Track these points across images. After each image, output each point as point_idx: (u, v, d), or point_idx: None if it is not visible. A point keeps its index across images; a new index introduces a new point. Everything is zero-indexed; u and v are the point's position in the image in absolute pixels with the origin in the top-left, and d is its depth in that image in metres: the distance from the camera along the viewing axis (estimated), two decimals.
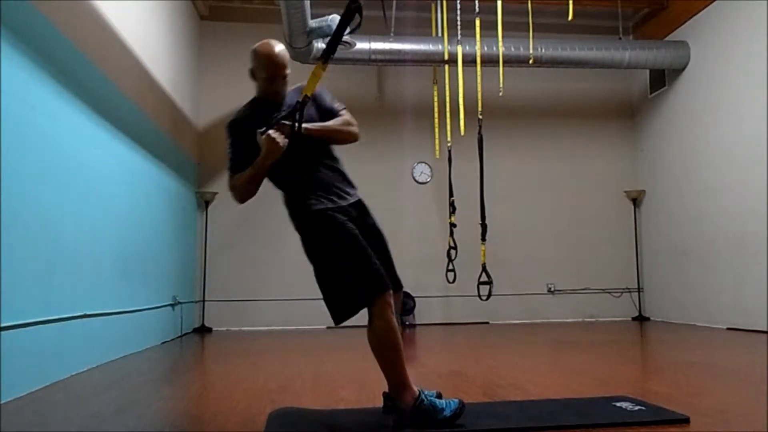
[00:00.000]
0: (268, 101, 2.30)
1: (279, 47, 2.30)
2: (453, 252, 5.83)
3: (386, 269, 2.24)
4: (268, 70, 2.27)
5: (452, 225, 5.83)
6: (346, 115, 2.39)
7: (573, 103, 7.57)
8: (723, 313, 5.95)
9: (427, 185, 7.13)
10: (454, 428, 2.05)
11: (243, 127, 2.25)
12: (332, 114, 2.36)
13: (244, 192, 2.24)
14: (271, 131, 2.12)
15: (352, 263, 2.13)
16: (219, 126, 6.87)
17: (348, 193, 2.35)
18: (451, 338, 5.68)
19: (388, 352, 2.09)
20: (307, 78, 2.18)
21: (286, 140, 2.13)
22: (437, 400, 2.11)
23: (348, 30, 2.20)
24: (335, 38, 2.18)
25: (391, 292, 2.15)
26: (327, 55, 2.17)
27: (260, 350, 4.90)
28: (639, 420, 2.11)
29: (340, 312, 2.15)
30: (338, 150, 2.43)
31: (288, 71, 2.30)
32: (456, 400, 2.11)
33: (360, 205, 2.39)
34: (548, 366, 3.80)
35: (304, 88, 2.18)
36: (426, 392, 2.14)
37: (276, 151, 2.12)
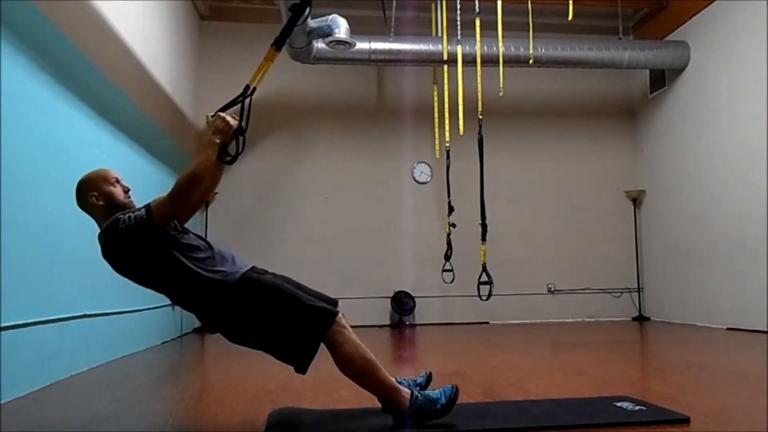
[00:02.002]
0: None
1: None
2: (448, 252, 5.84)
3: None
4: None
5: (451, 225, 5.84)
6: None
7: (573, 103, 7.57)
8: (723, 313, 5.94)
9: (427, 185, 7.13)
10: (454, 428, 2.05)
11: None
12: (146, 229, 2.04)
13: (216, 172, 2.09)
14: (218, 114, 2.07)
15: (290, 310, 2.03)
16: None
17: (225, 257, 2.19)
18: (450, 338, 5.67)
19: (366, 370, 2.05)
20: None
21: (236, 120, 2.07)
22: (430, 392, 2.12)
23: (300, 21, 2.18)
24: (287, 28, 2.17)
25: (339, 312, 2.06)
26: (280, 43, 2.14)
27: None
28: (639, 420, 2.11)
29: (302, 360, 2.05)
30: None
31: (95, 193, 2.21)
32: (449, 386, 2.12)
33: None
34: (548, 366, 3.80)
35: (252, 77, 2.11)
36: (417, 379, 2.20)
37: (226, 129, 2.04)
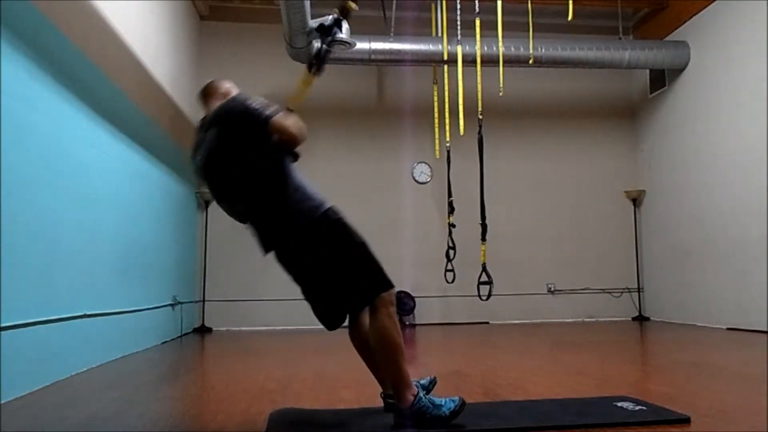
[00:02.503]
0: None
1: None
2: (452, 252, 5.84)
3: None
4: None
5: (451, 225, 5.84)
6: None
7: (573, 103, 7.57)
8: (723, 313, 5.95)
9: (427, 185, 7.13)
10: (454, 428, 2.04)
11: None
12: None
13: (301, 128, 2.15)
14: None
15: (361, 259, 2.13)
16: None
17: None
18: (450, 338, 5.67)
19: (391, 349, 2.08)
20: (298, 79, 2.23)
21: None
22: (436, 399, 2.11)
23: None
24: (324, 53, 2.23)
25: (394, 289, 2.14)
26: (319, 65, 2.20)
27: (260, 350, 4.90)
28: (640, 420, 2.11)
29: (339, 314, 2.15)
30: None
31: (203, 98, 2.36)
32: (456, 398, 2.10)
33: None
34: (548, 366, 3.80)
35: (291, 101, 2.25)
36: (421, 381, 2.16)
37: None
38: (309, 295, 2.23)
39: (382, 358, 2.11)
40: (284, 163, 2.15)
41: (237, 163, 2.13)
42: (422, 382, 2.32)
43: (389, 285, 2.12)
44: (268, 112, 2.09)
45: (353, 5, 2.30)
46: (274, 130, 2.08)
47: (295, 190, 2.13)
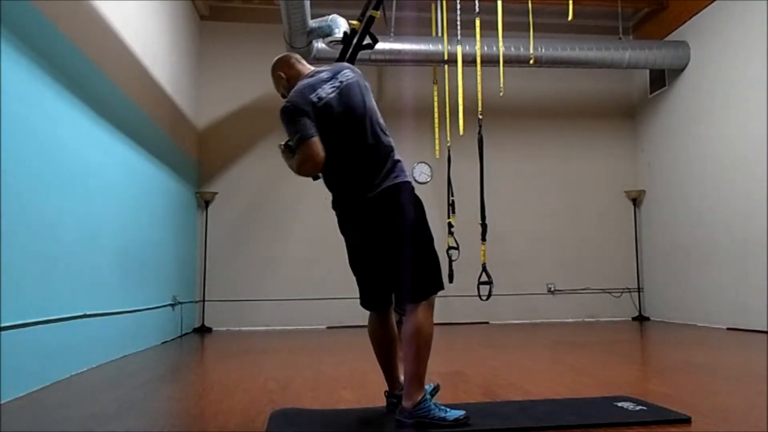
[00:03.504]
0: None
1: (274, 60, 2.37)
2: (455, 252, 5.83)
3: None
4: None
5: (451, 225, 5.83)
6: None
7: (573, 103, 7.57)
8: (723, 313, 5.95)
9: (427, 185, 7.12)
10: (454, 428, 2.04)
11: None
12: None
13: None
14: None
15: (432, 252, 2.24)
16: (219, 126, 6.92)
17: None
18: (451, 338, 5.67)
19: (423, 346, 2.11)
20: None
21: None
22: (441, 405, 2.11)
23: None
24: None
25: (437, 293, 2.24)
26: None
27: (260, 350, 4.90)
28: (640, 420, 2.11)
29: (420, 292, 2.18)
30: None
31: (279, 73, 2.32)
32: (462, 411, 2.09)
33: None
34: (548, 366, 3.80)
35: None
36: (427, 387, 2.14)
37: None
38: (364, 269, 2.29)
39: (413, 353, 2.10)
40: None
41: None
42: (426, 387, 2.31)
43: (441, 286, 2.23)
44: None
45: (377, 13, 2.31)
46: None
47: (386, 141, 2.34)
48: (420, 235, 2.19)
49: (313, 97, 2.12)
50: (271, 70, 2.35)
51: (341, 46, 2.61)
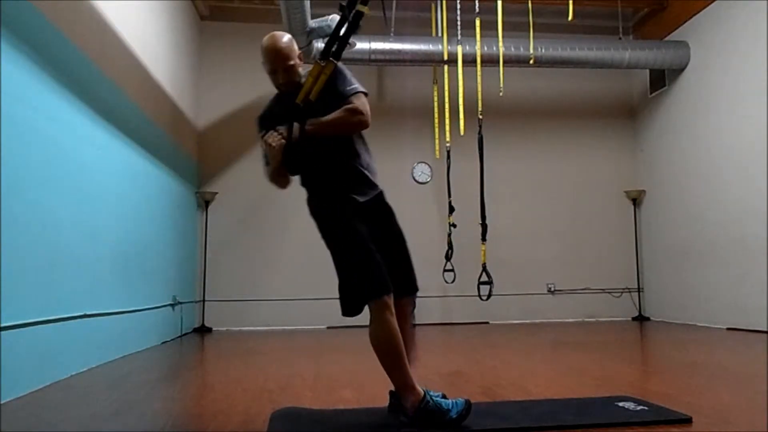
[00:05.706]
0: (287, 93, 2.23)
1: (273, 39, 2.22)
2: (449, 253, 5.84)
3: (402, 270, 2.28)
4: (266, 64, 2.23)
5: (451, 225, 5.84)
6: (353, 101, 2.20)
7: (573, 103, 7.57)
8: (723, 313, 5.94)
9: (427, 185, 7.13)
10: (455, 428, 2.04)
11: (267, 121, 2.26)
12: (342, 99, 2.19)
13: (278, 183, 2.31)
14: (267, 134, 2.17)
15: (354, 260, 2.16)
16: (219, 126, 6.91)
17: (363, 191, 2.29)
18: (450, 338, 5.67)
19: (388, 354, 2.08)
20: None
21: (283, 141, 2.14)
22: (443, 401, 2.09)
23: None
24: (343, 38, 2.20)
25: (391, 295, 2.11)
26: (338, 53, 2.19)
27: (260, 350, 4.90)
28: (641, 420, 2.11)
29: (345, 305, 2.19)
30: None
31: (290, 62, 2.21)
32: (462, 400, 2.08)
33: (377, 203, 2.36)
34: (548, 366, 3.80)
35: (302, 89, 2.16)
36: (431, 393, 2.12)
37: (273, 153, 2.15)
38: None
39: (381, 361, 2.11)
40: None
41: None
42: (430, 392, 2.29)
43: (381, 290, 2.10)
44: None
45: (365, 9, 2.25)
46: None
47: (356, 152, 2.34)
48: (340, 244, 2.23)
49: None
50: (288, 43, 2.23)
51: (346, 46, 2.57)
